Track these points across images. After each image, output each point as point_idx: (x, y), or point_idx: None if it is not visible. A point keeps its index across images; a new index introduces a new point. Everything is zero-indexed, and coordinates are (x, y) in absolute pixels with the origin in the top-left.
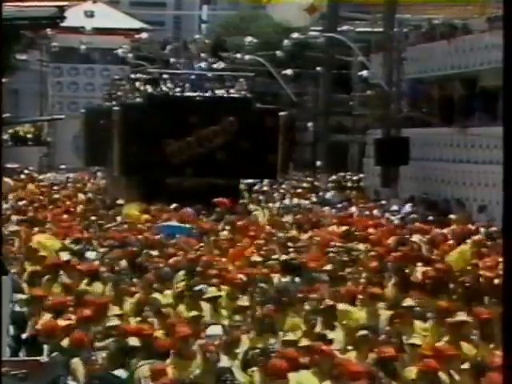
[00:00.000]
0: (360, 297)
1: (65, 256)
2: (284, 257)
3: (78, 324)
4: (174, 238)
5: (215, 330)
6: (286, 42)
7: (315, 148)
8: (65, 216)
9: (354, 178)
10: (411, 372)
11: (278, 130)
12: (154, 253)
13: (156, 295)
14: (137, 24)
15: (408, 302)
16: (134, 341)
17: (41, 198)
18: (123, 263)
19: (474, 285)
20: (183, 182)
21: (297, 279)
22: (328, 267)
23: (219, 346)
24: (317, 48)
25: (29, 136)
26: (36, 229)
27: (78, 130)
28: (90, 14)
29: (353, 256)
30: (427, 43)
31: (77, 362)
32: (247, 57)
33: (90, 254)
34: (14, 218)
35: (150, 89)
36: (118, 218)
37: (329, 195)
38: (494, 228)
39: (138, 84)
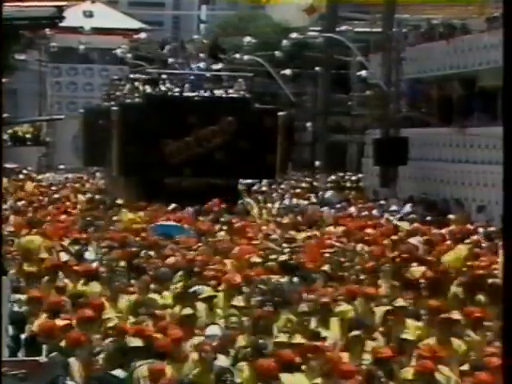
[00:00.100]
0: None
1: (63, 256)
2: (283, 257)
3: (76, 324)
4: (170, 238)
5: (214, 330)
6: (284, 42)
7: (314, 148)
8: (63, 216)
9: (353, 178)
10: (408, 373)
11: (276, 130)
12: (152, 253)
13: (153, 296)
14: (135, 24)
15: (400, 302)
16: (132, 341)
17: (40, 198)
18: (122, 264)
19: (468, 284)
20: (182, 182)
21: (295, 279)
22: (326, 267)
23: (215, 347)
24: (316, 48)
25: (28, 136)
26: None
27: (77, 130)
28: (88, 14)
29: (350, 256)
30: (426, 43)
31: (74, 362)
32: (246, 57)
33: (90, 255)
34: (12, 218)
35: (148, 89)
36: (115, 218)
37: (328, 195)
38: (493, 228)
39: (136, 84)
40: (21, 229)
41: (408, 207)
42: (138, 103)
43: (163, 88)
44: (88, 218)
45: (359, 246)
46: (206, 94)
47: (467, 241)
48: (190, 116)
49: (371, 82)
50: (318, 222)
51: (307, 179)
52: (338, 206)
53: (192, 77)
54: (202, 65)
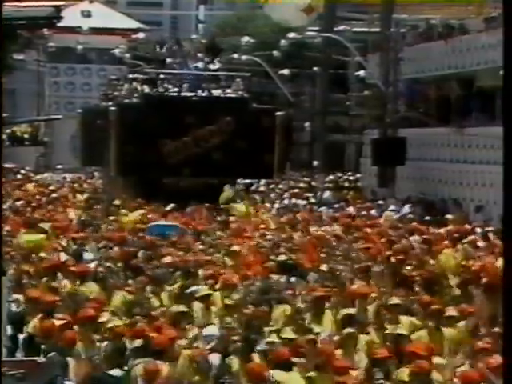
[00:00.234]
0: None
1: (62, 257)
2: (282, 257)
3: (74, 324)
4: (166, 238)
5: (212, 330)
6: (282, 42)
7: (312, 148)
8: (62, 216)
9: (351, 178)
10: (403, 373)
11: (274, 130)
12: (150, 253)
13: (149, 296)
14: (134, 24)
15: (394, 300)
16: (131, 341)
17: (38, 198)
18: (120, 264)
19: (462, 283)
20: (180, 181)
21: (292, 279)
22: (323, 267)
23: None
24: (314, 48)
25: (26, 136)
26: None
27: (75, 130)
28: (86, 14)
29: (347, 255)
30: (424, 43)
31: (72, 362)
32: (244, 57)
33: (88, 255)
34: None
35: (146, 89)
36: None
37: (326, 195)
38: (491, 228)
39: (134, 84)
40: (18, 228)
41: (407, 207)
42: (136, 103)
43: (161, 88)
44: (86, 218)
45: (356, 245)
46: (204, 94)
47: (464, 240)
48: (188, 116)
49: (369, 81)
50: (315, 221)
51: (305, 179)
52: (336, 206)
53: (190, 77)
54: (200, 65)
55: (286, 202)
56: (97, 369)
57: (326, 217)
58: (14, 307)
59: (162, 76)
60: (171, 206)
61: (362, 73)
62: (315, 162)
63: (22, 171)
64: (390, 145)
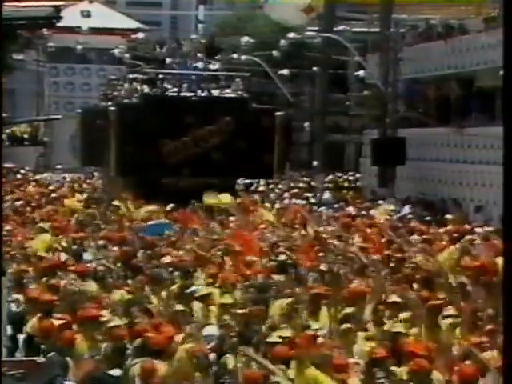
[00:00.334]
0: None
1: (62, 256)
2: (281, 257)
3: (73, 323)
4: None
5: (211, 330)
6: (282, 41)
7: (312, 148)
8: (61, 216)
9: (351, 178)
10: (402, 372)
11: (274, 130)
12: (150, 252)
13: (149, 295)
14: (133, 24)
15: (393, 297)
16: (130, 341)
17: (37, 197)
18: (119, 263)
19: (459, 283)
20: (179, 181)
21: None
22: (322, 267)
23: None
24: (313, 48)
25: (25, 136)
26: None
27: (75, 130)
28: (86, 14)
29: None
30: (424, 43)
31: (72, 362)
32: (244, 57)
33: (88, 255)
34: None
35: (146, 89)
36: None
37: (326, 195)
38: (491, 228)
39: (134, 84)
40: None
41: (407, 208)
42: (136, 103)
43: (161, 88)
44: (86, 218)
45: (354, 245)
46: (203, 94)
47: (463, 240)
48: (188, 116)
49: (369, 82)
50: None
51: (305, 179)
52: (336, 206)
53: (190, 77)
54: (199, 65)
55: (285, 202)
56: (97, 368)
57: (326, 216)
58: (13, 307)
59: (161, 76)
60: (171, 206)
61: (361, 73)
62: (315, 162)
63: (22, 171)
64: (390, 145)
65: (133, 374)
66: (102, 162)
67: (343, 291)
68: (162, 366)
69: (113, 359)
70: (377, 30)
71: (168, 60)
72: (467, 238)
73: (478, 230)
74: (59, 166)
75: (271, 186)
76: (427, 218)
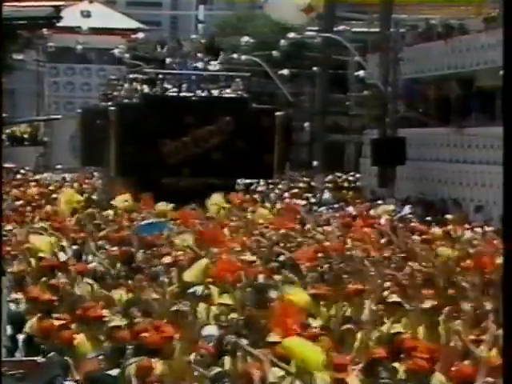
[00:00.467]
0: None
1: (62, 256)
2: (282, 257)
3: (72, 323)
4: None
5: (211, 330)
6: (282, 41)
7: (312, 148)
8: (60, 216)
9: (351, 178)
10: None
11: (274, 130)
12: (149, 252)
13: (148, 295)
14: (133, 24)
15: (393, 297)
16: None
17: (37, 197)
18: (119, 263)
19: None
20: (179, 182)
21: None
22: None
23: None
24: (313, 48)
25: (25, 136)
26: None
27: (75, 130)
28: (86, 14)
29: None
30: (424, 43)
31: (71, 362)
32: (244, 57)
33: (87, 255)
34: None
35: (146, 89)
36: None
37: (326, 195)
38: (491, 228)
39: (134, 84)
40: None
41: (407, 208)
42: (136, 103)
43: (161, 88)
44: (85, 218)
45: (353, 245)
46: (203, 94)
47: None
48: (188, 116)
49: (369, 82)
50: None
51: (305, 179)
52: (336, 206)
53: (190, 77)
54: (199, 65)
55: (285, 202)
56: (97, 369)
57: (326, 216)
58: (13, 307)
59: (161, 76)
60: (171, 206)
61: (361, 73)
62: (315, 162)
63: (22, 171)
64: (390, 145)
65: (129, 373)
66: (102, 161)
67: (343, 291)
68: (158, 365)
69: (113, 359)
70: (377, 30)
71: (168, 60)
72: (467, 237)
73: (477, 229)
74: (59, 166)
75: (271, 186)
76: (427, 218)
